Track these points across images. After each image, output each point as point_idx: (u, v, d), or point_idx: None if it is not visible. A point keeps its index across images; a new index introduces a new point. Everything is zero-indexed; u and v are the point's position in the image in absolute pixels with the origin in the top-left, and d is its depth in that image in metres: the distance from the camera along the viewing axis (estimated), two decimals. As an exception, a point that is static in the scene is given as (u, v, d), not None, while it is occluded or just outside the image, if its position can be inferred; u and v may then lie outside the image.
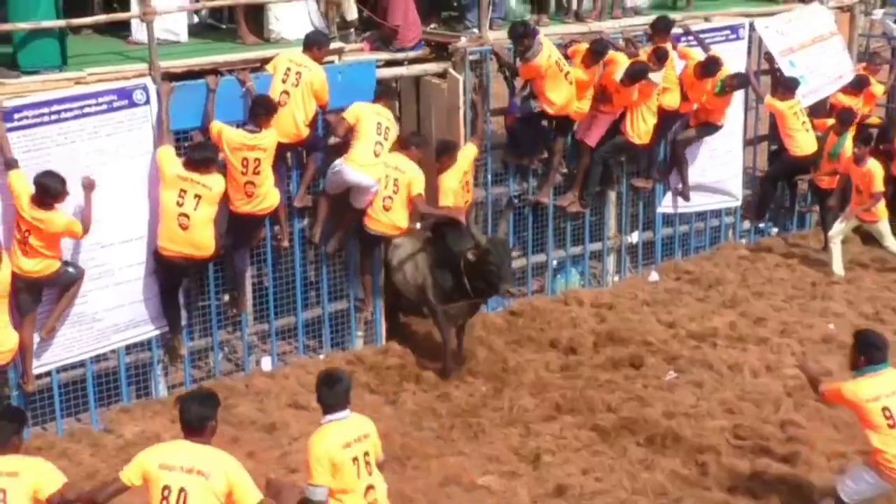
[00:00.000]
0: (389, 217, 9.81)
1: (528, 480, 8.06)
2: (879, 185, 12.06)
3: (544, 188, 11.62)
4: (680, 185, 12.75)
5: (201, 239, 8.74)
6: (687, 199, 12.82)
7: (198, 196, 8.64)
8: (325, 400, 6.25)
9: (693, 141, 12.52)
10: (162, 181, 8.66)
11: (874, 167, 12.09)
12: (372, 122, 9.66)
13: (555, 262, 12.03)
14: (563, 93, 10.85)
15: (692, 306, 11.51)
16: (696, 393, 9.47)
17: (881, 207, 12.25)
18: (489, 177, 11.34)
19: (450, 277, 9.81)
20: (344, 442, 6.12)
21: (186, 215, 8.64)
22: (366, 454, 6.18)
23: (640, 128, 11.54)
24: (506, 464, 8.33)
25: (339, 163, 9.69)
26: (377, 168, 9.71)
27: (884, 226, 12.37)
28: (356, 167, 9.62)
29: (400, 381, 9.73)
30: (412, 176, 9.79)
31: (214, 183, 8.70)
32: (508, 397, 9.39)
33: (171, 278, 9.06)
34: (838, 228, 12.46)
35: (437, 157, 10.33)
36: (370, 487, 6.15)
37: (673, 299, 11.72)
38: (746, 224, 13.64)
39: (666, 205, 12.86)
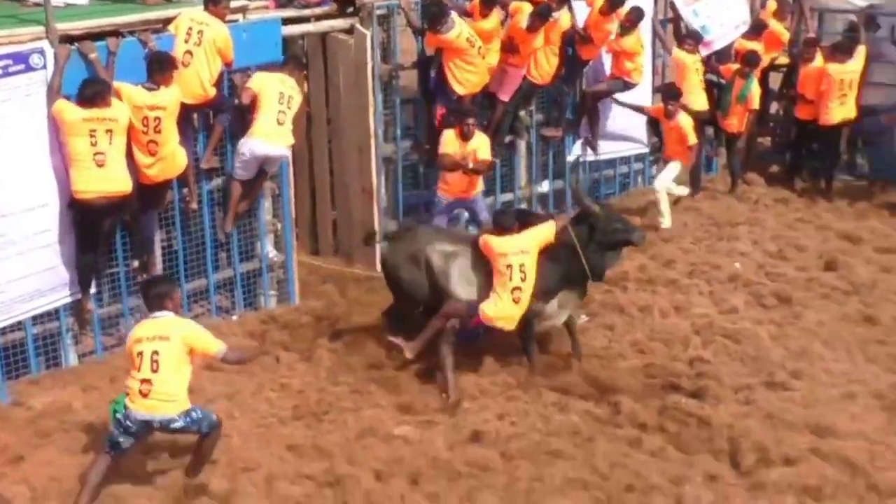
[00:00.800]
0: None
1: (444, 428, 8.14)
2: (692, 138, 12.33)
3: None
4: (589, 135, 12.89)
5: (117, 173, 8.60)
6: (595, 150, 12.98)
7: (109, 131, 8.51)
8: (144, 302, 7.45)
9: (604, 94, 12.62)
10: (67, 131, 8.44)
11: (683, 120, 12.33)
12: (275, 91, 9.60)
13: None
14: (473, 73, 10.89)
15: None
16: (607, 335, 9.63)
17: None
18: (398, 131, 11.35)
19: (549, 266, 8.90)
20: (137, 337, 7.13)
21: (102, 153, 8.51)
22: (154, 353, 7.00)
23: (544, 68, 11.60)
24: (422, 414, 8.40)
25: (243, 142, 9.66)
26: (284, 136, 9.68)
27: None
28: (262, 138, 9.58)
29: (314, 337, 9.73)
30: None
31: (119, 113, 8.58)
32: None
33: (90, 227, 8.83)
34: (664, 180, 12.62)
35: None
36: (145, 381, 6.99)
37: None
38: (655, 169, 13.82)
39: (576, 153, 12.98)
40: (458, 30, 10.65)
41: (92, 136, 8.44)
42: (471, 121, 10.49)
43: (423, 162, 11.63)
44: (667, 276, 10.94)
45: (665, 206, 12.42)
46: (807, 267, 11.19)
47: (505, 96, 11.54)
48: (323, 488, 7.30)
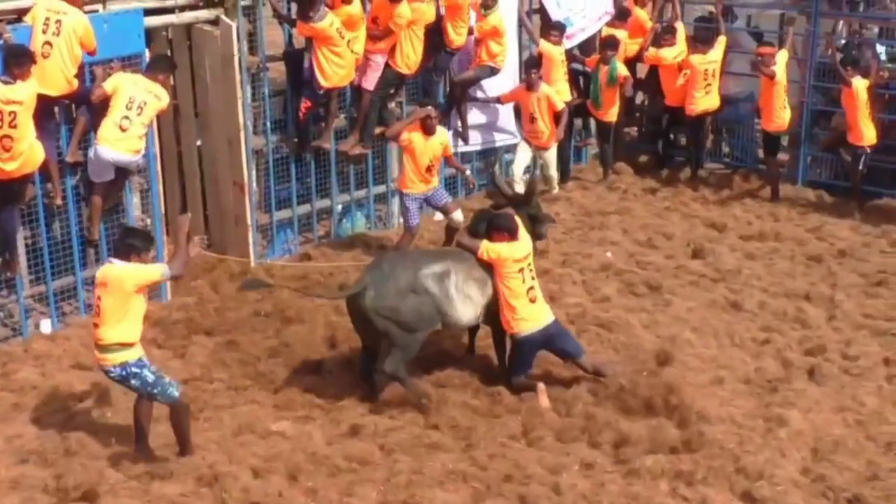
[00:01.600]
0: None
1: (322, 423, 8.11)
2: (559, 103, 12.63)
3: (325, 134, 11.59)
4: (460, 126, 12.96)
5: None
6: (466, 140, 13.06)
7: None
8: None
9: (472, 82, 12.71)
10: None
11: (548, 90, 12.60)
12: (125, 95, 9.37)
13: (339, 207, 12.06)
14: (341, 66, 10.92)
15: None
16: (484, 328, 9.69)
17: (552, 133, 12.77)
18: (268, 124, 11.23)
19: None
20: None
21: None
22: (98, 299, 7.22)
23: (409, 57, 11.61)
24: (299, 409, 8.35)
25: (92, 146, 9.46)
26: (128, 142, 9.46)
27: (552, 154, 12.92)
28: (106, 145, 9.40)
29: (188, 334, 9.59)
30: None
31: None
32: (300, 344, 9.37)
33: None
34: (521, 161, 12.83)
35: None
36: (95, 327, 7.30)
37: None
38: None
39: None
40: (330, 19, 10.61)
41: None
42: (433, 114, 10.59)
43: (293, 154, 11.55)
44: (539, 265, 11.00)
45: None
46: (675, 255, 11.48)
47: (370, 85, 11.51)
48: (200, 487, 7.18)
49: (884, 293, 10.51)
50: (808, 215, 12.70)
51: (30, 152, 8.77)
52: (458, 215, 11.04)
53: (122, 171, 9.68)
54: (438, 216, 11.73)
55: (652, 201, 13.20)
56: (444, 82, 12.79)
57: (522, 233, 8.56)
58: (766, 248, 11.71)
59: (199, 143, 11.42)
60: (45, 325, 9.62)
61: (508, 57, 12.77)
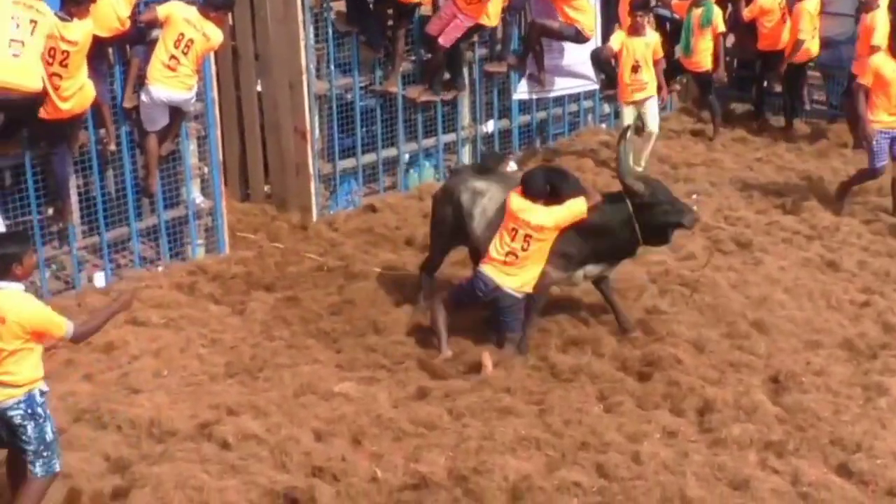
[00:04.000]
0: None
1: (387, 384, 8.12)
2: (661, 50, 12.36)
3: (391, 77, 11.55)
4: (535, 71, 12.83)
5: (30, 68, 8.40)
6: (543, 84, 12.93)
7: (33, 21, 8.35)
8: None
9: (552, 32, 12.50)
10: None
11: (656, 35, 12.38)
12: (176, 29, 9.41)
13: (407, 157, 12.04)
14: None
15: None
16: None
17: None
18: (332, 67, 11.21)
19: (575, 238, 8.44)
20: None
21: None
22: None
23: (493, 8, 11.54)
24: (363, 370, 8.38)
25: (143, 89, 9.50)
26: (181, 81, 9.53)
27: (654, 106, 12.55)
28: (159, 84, 9.47)
29: (247, 289, 9.67)
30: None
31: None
32: (364, 301, 9.39)
33: None
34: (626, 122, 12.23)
35: None
36: None
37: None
38: (606, 108, 13.84)
39: (522, 91, 12.94)
40: None
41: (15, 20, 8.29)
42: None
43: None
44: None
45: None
46: (767, 210, 11.29)
47: (447, 42, 11.50)
48: (260, 449, 7.23)
49: None
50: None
51: (80, 93, 8.84)
52: None
53: (178, 115, 9.73)
54: None
55: (742, 152, 13.00)
56: (519, 25, 12.66)
57: (555, 209, 8.24)
58: (866, 202, 11.45)
59: (259, 87, 11.42)
60: (99, 278, 9.75)
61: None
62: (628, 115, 12.25)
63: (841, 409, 7.58)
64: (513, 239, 8.27)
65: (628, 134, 9.12)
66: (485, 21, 11.58)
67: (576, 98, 13.57)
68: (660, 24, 13.57)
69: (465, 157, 12.45)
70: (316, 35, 11.06)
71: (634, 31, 12.09)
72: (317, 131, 11.24)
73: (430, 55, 11.69)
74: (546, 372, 8.30)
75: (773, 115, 14.23)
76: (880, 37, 12.39)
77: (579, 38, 12.43)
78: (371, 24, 11.38)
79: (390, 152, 11.89)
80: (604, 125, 13.82)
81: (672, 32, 13.78)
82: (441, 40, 11.46)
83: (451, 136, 12.37)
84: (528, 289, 8.41)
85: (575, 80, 13.34)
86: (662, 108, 13.99)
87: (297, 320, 9.12)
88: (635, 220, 8.38)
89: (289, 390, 7.98)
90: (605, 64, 12.67)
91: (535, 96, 13.04)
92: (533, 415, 7.69)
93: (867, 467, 6.87)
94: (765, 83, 14.38)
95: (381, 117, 11.71)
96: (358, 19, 11.25)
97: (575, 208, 8.28)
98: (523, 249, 8.27)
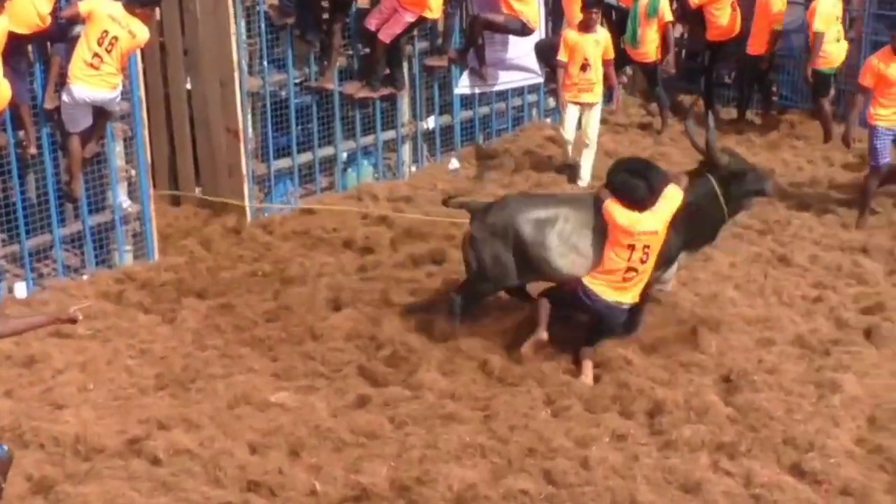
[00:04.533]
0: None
1: (326, 393, 8.07)
2: (612, 51, 12.31)
3: (327, 73, 11.50)
4: (477, 65, 12.82)
5: None
6: (485, 78, 12.92)
7: None
8: None
9: (496, 27, 12.49)
10: None
11: (607, 34, 12.37)
12: (100, 26, 9.29)
13: (344, 155, 11.98)
14: None
15: (496, 193, 11.66)
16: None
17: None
18: (265, 63, 11.13)
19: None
20: None
21: None
22: None
23: (436, 1, 11.52)
24: (301, 378, 8.31)
25: (64, 91, 9.36)
26: (104, 80, 9.38)
27: (598, 111, 12.40)
28: (80, 83, 9.33)
29: (178, 297, 9.56)
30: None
31: None
32: (301, 306, 9.33)
33: None
34: (570, 120, 12.35)
35: None
36: None
37: (475, 187, 11.88)
38: (551, 102, 13.86)
39: (463, 85, 12.93)
40: None
41: None
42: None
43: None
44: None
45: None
46: (716, 205, 11.34)
47: (387, 38, 11.46)
48: (193, 464, 7.15)
49: (951, 244, 10.39)
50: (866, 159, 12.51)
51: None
52: None
53: (102, 115, 9.60)
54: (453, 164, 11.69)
55: (691, 146, 13.00)
56: (461, 17, 12.65)
57: (659, 208, 7.99)
58: (818, 195, 11.56)
59: (188, 85, 11.32)
60: (20, 289, 9.60)
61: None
62: (571, 115, 12.25)
63: (793, 408, 7.64)
64: (630, 255, 7.97)
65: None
66: (427, 14, 11.55)
67: (519, 92, 13.59)
68: (606, 13, 13.62)
69: (405, 155, 12.42)
70: (248, 29, 10.98)
71: (585, 27, 12.07)
72: (250, 130, 11.15)
73: (368, 50, 11.64)
74: (491, 377, 8.28)
75: (722, 106, 14.34)
76: (820, 23, 12.54)
77: (525, 30, 12.44)
78: (306, 18, 11.30)
79: (327, 151, 11.84)
80: (549, 120, 13.86)
81: (618, 22, 13.84)
82: (381, 36, 11.41)
83: (390, 134, 12.33)
84: (638, 297, 8.26)
85: (518, 74, 13.37)
86: (616, 107, 14.02)
87: (230, 328, 9.03)
88: (720, 195, 8.32)
89: (222, 402, 7.90)
90: (550, 56, 12.68)
91: (477, 91, 13.03)
92: (478, 421, 7.68)
93: (820, 466, 6.93)
94: (713, 74, 14.47)
95: (317, 115, 11.65)
96: (292, 12, 11.16)
97: (674, 198, 8.08)
98: (642, 262, 8.01)
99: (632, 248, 7.95)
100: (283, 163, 11.56)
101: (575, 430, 7.50)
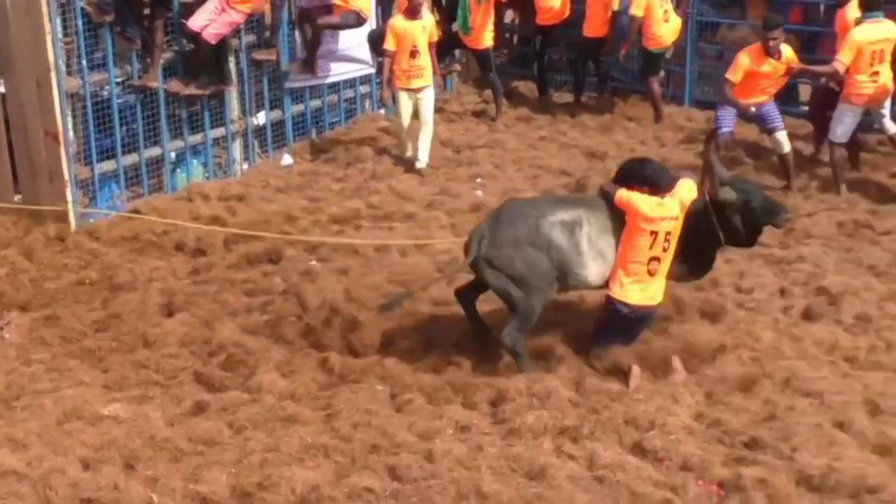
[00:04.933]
0: None
1: (161, 402, 7.92)
2: (437, 32, 12.45)
3: (151, 71, 11.29)
4: (308, 56, 12.76)
5: None
6: (316, 71, 12.86)
7: None
8: None
9: (337, 27, 12.49)
10: None
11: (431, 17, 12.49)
12: None
13: (172, 155, 11.79)
14: None
15: (331, 188, 11.66)
16: (341, 281, 9.60)
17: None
18: (84, 63, 10.87)
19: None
20: None
21: None
22: None
23: None
24: (133, 388, 8.15)
25: None
26: None
27: (432, 93, 12.55)
28: None
29: (-1, 311, 9.31)
30: None
31: None
32: (131, 314, 9.15)
33: None
34: (405, 111, 12.43)
35: None
36: None
37: (310, 182, 11.84)
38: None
39: (294, 79, 12.84)
40: None
41: None
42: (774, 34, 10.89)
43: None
44: (404, 210, 11.04)
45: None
46: (552, 189, 11.53)
47: (212, 38, 11.34)
48: (21, 486, 6.94)
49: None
50: (696, 138, 12.86)
51: None
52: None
53: None
54: None
55: (526, 131, 13.26)
56: (288, 9, 12.56)
57: (677, 193, 7.79)
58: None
59: (1, 87, 10.99)
60: None
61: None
62: (405, 103, 12.27)
63: (635, 389, 7.78)
64: (653, 242, 7.73)
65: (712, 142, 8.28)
66: (256, 11, 11.45)
67: (351, 84, 13.58)
68: (435, 1, 13.69)
69: (236, 152, 12.28)
70: (64, 27, 10.72)
71: (412, 13, 12.10)
72: (70, 133, 10.89)
73: (193, 46, 11.46)
74: (332, 375, 8.25)
75: (555, 91, 14.58)
76: (636, 7, 12.86)
77: (360, 21, 12.45)
78: (126, 14, 11.08)
79: (154, 152, 11.64)
80: (382, 111, 13.87)
81: (449, 9, 13.92)
82: (205, 37, 11.28)
83: (220, 131, 12.19)
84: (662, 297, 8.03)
85: (350, 65, 13.36)
86: (443, 90, 14.15)
87: (57, 340, 8.81)
88: (714, 215, 7.93)
89: (51, 418, 7.68)
90: (380, 46, 12.68)
91: (308, 84, 12.95)
92: (319, 421, 7.62)
93: (661, 444, 7.06)
94: (545, 58, 14.69)
95: (141, 114, 11.46)
96: (111, 10, 10.92)
97: (690, 188, 7.88)
98: (664, 250, 7.78)
99: (654, 234, 7.72)
100: (108, 165, 11.31)
101: (418, 423, 7.51)
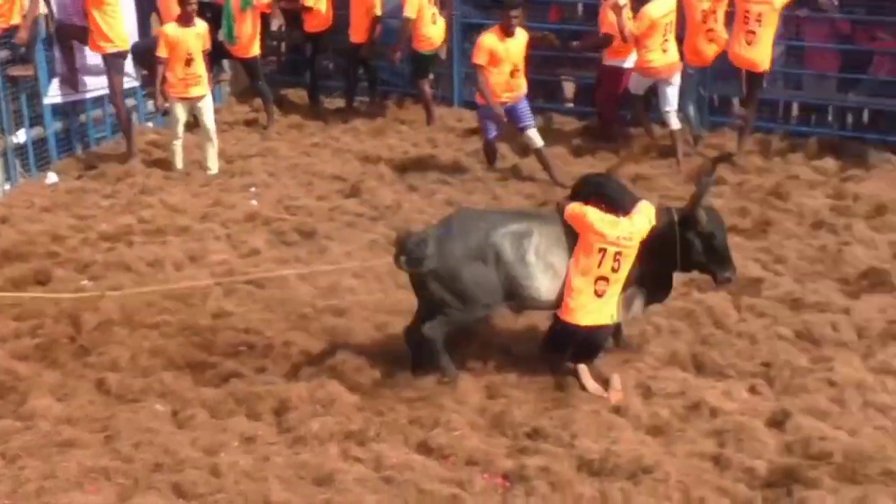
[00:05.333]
0: None
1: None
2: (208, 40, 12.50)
3: None
4: (66, 71, 12.47)
5: None
6: (76, 86, 12.59)
7: None
8: None
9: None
10: None
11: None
12: None
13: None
14: None
15: (100, 204, 11.43)
16: (116, 299, 9.39)
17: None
18: None
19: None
20: None
21: None
22: None
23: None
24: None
25: None
26: None
27: (210, 101, 12.59)
28: None
29: None
30: None
31: None
32: None
33: None
34: (180, 119, 12.38)
35: None
36: None
37: (77, 200, 11.57)
38: (150, 105, 13.70)
39: (54, 94, 12.53)
40: None
41: None
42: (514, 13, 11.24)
43: None
44: (177, 223, 10.91)
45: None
46: (327, 195, 11.60)
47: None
48: None
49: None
50: (468, 138, 13.15)
51: None
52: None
53: None
54: None
55: (298, 138, 13.30)
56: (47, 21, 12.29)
57: (635, 219, 7.65)
58: (424, 178, 12.03)
59: None
60: None
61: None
62: (180, 112, 12.13)
63: (418, 388, 7.90)
64: (601, 261, 7.57)
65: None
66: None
67: (114, 97, 13.29)
68: (201, 11, 13.56)
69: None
70: None
71: (185, 21, 12.00)
72: None
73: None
74: (109, 395, 8.09)
75: (326, 97, 14.66)
76: (409, 9, 13.09)
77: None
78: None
79: None
80: (150, 123, 13.69)
81: (214, 18, 13.81)
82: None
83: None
84: (615, 317, 7.85)
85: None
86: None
87: None
88: (677, 234, 7.80)
89: None
90: (147, 58, 12.51)
91: (69, 99, 12.65)
92: (99, 444, 7.47)
93: (446, 441, 7.22)
94: (315, 65, 14.75)
95: None
96: None
97: (649, 212, 7.75)
98: (614, 270, 7.60)
99: (603, 252, 7.57)
100: None
101: (202, 438, 7.44)
